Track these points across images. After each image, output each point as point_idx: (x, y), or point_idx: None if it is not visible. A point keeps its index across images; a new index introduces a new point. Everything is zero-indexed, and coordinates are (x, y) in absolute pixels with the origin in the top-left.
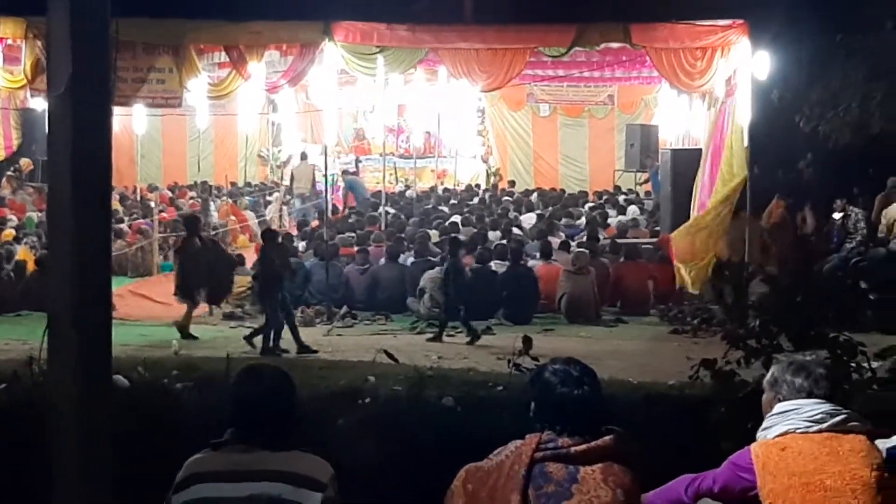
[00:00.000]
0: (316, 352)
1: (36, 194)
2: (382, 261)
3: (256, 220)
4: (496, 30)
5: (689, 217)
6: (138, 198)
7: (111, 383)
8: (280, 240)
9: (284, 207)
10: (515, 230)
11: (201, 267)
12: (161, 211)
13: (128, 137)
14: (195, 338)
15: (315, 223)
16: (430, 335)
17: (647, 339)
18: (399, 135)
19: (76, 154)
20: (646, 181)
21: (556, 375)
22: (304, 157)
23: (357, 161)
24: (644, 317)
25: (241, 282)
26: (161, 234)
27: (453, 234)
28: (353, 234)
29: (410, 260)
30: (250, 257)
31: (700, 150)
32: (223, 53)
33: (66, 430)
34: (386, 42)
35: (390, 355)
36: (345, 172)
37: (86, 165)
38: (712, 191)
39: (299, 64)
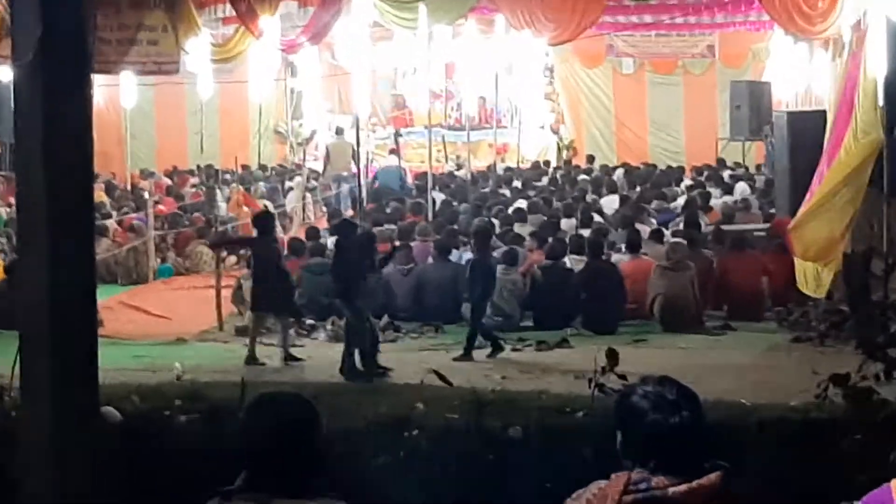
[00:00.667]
0: (385, 374)
1: (3, 184)
2: (430, 259)
3: (275, 212)
4: None
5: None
6: (129, 187)
7: (98, 416)
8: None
9: (309, 194)
10: (595, 217)
11: (278, 275)
12: (157, 202)
13: (114, 113)
14: (262, 364)
15: (348, 213)
16: (459, 353)
17: (763, 349)
18: (448, 101)
19: (49, 135)
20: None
21: (647, 399)
22: (339, 131)
23: (397, 135)
24: (758, 322)
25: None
26: (158, 232)
27: (479, 225)
28: (393, 227)
29: (466, 257)
30: None
31: (824, 111)
32: (228, 6)
33: (40, 473)
34: None
35: (442, 376)
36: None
37: (61, 148)
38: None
39: (322, 16)
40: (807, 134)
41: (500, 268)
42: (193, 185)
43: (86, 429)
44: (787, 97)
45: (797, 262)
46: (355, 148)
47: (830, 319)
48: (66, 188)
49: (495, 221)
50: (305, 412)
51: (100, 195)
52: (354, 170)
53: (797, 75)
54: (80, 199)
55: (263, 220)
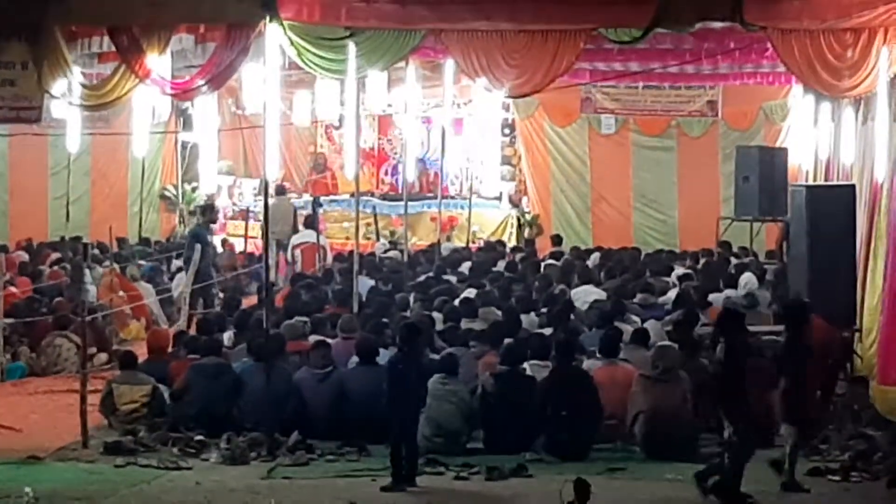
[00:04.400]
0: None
1: None
2: (353, 361)
3: (156, 298)
4: (534, 1)
5: (837, 290)
6: None
7: None
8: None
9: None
10: (564, 312)
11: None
12: (8, 283)
13: None
14: None
15: (249, 301)
16: (387, 483)
17: (772, 483)
18: (381, 164)
19: None
20: (779, 239)
21: None
22: (280, 191)
23: (315, 203)
24: (767, 448)
25: (135, 394)
26: (8, 321)
27: (408, 321)
28: (305, 320)
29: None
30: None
31: (853, 186)
32: (106, 39)
33: None
34: (360, 21)
35: None
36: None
37: None
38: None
39: (225, 55)
40: (832, 213)
41: (436, 377)
42: (55, 263)
43: None
44: (806, 167)
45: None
46: (307, 213)
47: (856, 448)
48: None
49: (437, 315)
50: None
51: None
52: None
53: (819, 141)
54: None
55: None
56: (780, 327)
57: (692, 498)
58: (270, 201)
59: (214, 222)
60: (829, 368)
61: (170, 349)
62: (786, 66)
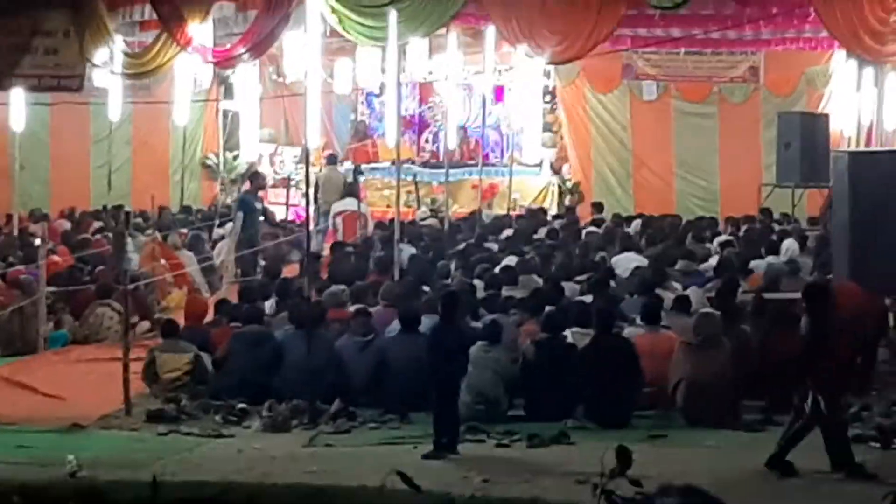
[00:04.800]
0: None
1: None
2: (394, 329)
3: (198, 266)
4: None
5: (880, 257)
6: (14, 232)
7: None
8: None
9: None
10: (605, 279)
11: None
12: (51, 251)
13: None
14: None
15: (291, 269)
16: (428, 450)
17: (813, 450)
18: (422, 131)
19: None
20: (824, 206)
21: None
22: (332, 160)
23: (356, 171)
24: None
25: (177, 362)
26: (51, 289)
27: (448, 289)
28: (345, 288)
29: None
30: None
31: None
32: (147, 8)
33: None
34: None
35: (408, 479)
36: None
37: None
38: None
39: (266, 23)
40: (874, 180)
41: (479, 344)
42: (97, 232)
43: None
44: (849, 132)
45: None
46: (348, 181)
47: None
48: None
49: (478, 283)
50: None
51: None
52: (341, 204)
53: (862, 107)
54: None
55: None
56: None
57: (733, 465)
58: (322, 171)
59: (262, 188)
60: (869, 336)
61: (211, 317)
62: (828, 31)
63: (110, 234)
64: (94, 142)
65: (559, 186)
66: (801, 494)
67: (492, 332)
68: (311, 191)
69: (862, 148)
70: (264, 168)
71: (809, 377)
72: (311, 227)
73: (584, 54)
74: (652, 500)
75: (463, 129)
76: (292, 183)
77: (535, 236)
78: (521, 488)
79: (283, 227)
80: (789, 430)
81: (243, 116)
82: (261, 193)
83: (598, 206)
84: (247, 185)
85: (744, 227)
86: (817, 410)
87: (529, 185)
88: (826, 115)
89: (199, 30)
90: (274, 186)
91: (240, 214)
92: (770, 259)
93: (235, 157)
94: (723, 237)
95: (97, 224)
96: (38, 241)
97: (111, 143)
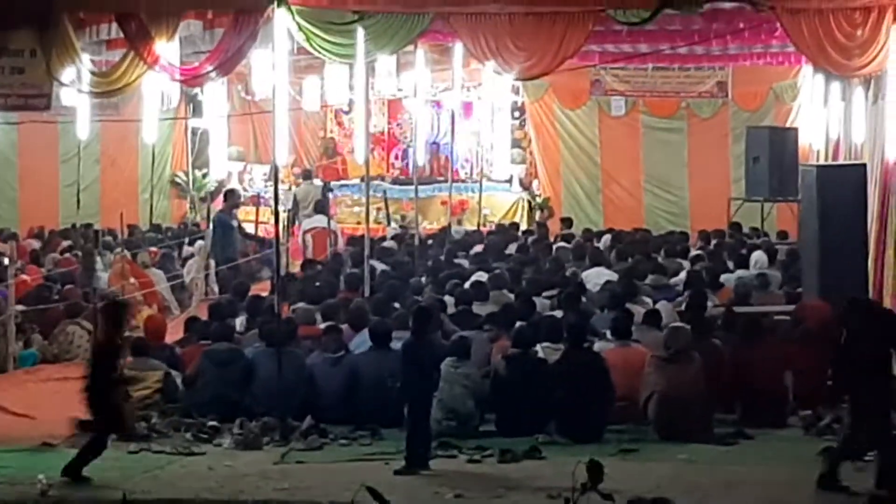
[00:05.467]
0: None
1: None
2: (364, 345)
3: (168, 284)
4: None
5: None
6: None
7: None
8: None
9: (213, 262)
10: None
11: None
12: (19, 272)
13: None
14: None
15: (262, 287)
16: (400, 466)
17: (785, 463)
18: (391, 148)
19: None
20: None
21: None
22: (307, 175)
23: (326, 188)
24: (779, 429)
25: (147, 380)
26: (20, 308)
27: (419, 304)
28: (315, 305)
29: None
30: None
31: (863, 165)
32: (114, 26)
33: None
34: (368, 6)
35: (377, 494)
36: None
37: None
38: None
39: (233, 40)
40: (842, 193)
41: (449, 360)
42: (66, 250)
43: None
44: (816, 147)
45: None
46: (317, 199)
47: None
48: None
49: (449, 299)
50: None
51: None
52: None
53: (830, 120)
54: None
55: None
56: (792, 307)
57: (705, 479)
58: (299, 187)
59: (237, 206)
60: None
61: (181, 335)
62: (795, 46)
63: (79, 253)
64: (63, 160)
65: (529, 202)
66: None
67: (460, 348)
68: (290, 206)
69: (830, 162)
70: (233, 186)
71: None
72: (278, 246)
73: (552, 70)
74: None
75: (434, 145)
76: (262, 200)
77: (506, 252)
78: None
79: (262, 241)
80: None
81: (212, 134)
82: (235, 211)
83: (567, 222)
84: (220, 204)
85: (713, 241)
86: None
87: (499, 201)
88: (794, 130)
89: (166, 48)
90: (244, 204)
91: (208, 232)
92: (740, 273)
93: (205, 175)
94: (692, 252)
95: (66, 243)
96: (6, 261)
97: (80, 161)
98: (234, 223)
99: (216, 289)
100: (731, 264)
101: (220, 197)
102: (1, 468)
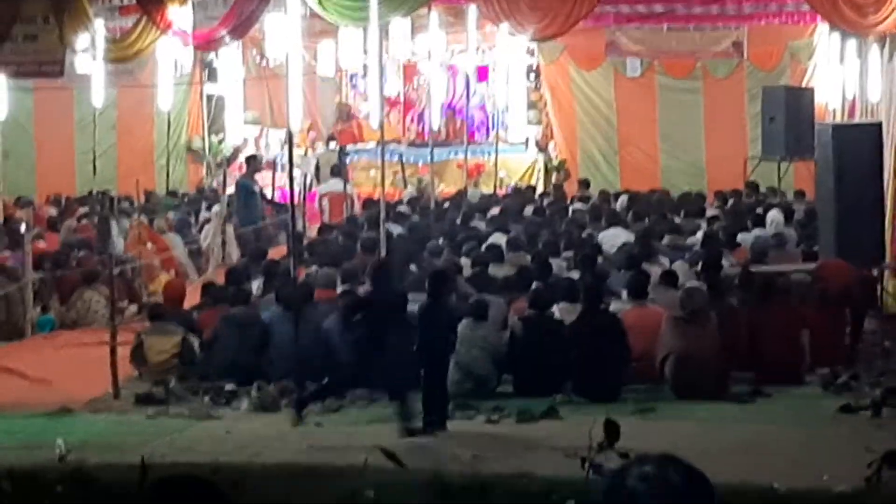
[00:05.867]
0: None
1: None
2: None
3: (185, 249)
4: None
5: (865, 228)
6: (0, 218)
7: None
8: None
9: (230, 227)
10: (592, 255)
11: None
12: (37, 237)
13: None
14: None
15: (278, 251)
16: (407, 427)
17: (802, 421)
18: (407, 111)
19: None
20: None
21: (645, 483)
22: (332, 138)
23: (342, 152)
24: (796, 387)
25: (165, 345)
26: (37, 275)
27: (437, 267)
28: (333, 268)
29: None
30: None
31: (879, 124)
32: None
33: None
34: None
35: (391, 455)
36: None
37: None
38: None
39: (246, 4)
40: (858, 152)
41: (466, 321)
42: (82, 216)
43: None
44: (833, 106)
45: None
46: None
47: (888, 384)
48: None
49: (465, 261)
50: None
51: None
52: (327, 186)
53: (846, 79)
54: None
55: None
56: (809, 265)
57: (721, 437)
58: (321, 152)
59: (258, 171)
60: (855, 309)
61: (199, 300)
62: (810, 4)
63: (95, 219)
64: (78, 128)
65: (545, 164)
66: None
67: (479, 310)
68: (313, 170)
69: (846, 120)
70: (249, 151)
71: None
72: (293, 209)
73: (566, 31)
74: (629, 467)
75: (451, 108)
76: (278, 165)
77: (521, 214)
78: (511, 464)
79: (279, 206)
80: None
81: (227, 100)
82: (256, 176)
83: (584, 183)
84: (237, 169)
85: (730, 201)
86: None
87: (516, 164)
88: (810, 89)
89: (179, 13)
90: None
91: (225, 198)
92: (756, 232)
93: (220, 141)
94: (709, 211)
95: (83, 209)
96: (23, 228)
97: (95, 128)
98: (257, 188)
99: (234, 253)
100: (748, 224)
101: (237, 162)
102: (20, 433)
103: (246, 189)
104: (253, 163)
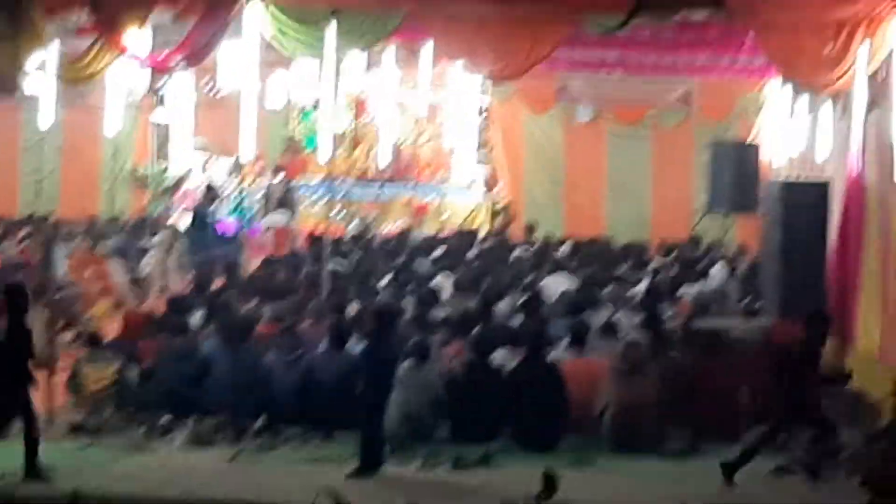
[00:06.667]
0: None
1: None
2: (322, 346)
3: (126, 277)
4: None
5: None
6: None
7: None
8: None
9: (171, 256)
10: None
11: None
12: None
13: None
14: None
15: (218, 282)
16: (352, 469)
17: (737, 479)
18: (355, 147)
19: None
20: None
21: None
22: (280, 169)
23: (288, 185)
24: (734, 444)
25: (102, 373)
26: None
27: (379, 307)
28: (275, 302)
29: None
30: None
31: (827, 183)
32: (85, 12)
33: None
34: (341, 1)
35: (339, 496)
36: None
37: None
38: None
39: (204, 31)
40: (807, 209)
41: (407, 363)
42: (23, 239)
43: None
44: (780, 162)
45: None
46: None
47: (825, 445)
48: None
49: (407, 302)
50: None
51: None
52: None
53: (795, 135)
54: None
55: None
56: (752, 323)
57: (659, 492)
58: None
59: (216, 200)
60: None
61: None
62: (767, 57)
63: (36, 242)
64: (24, 148)
65: (491, 207)
66: None
67: (419, 352)
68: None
69: (793, 176)
70: (195, 179)
71: None
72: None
73: (522, 74)
74: None
75: (398, 146)
76: (221, 196)
77: (466, 256)
78: None
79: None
80: None
81: (174, 128)
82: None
83: (529, 228)
84: (180, 198)
85: (674, 253)
86: None
87: (460, 206)
88: (756, 146)
89: (136, 36)
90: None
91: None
92: (699, 286)
93: (164, 170)
94: (653, 263)
95: (24, 231)
96: None
97: (42, 150)
98: (211, 219)
99: (176, 284)
100: (691, 276)
101: (179, 192)
102: None
103: (201, 217)
104: (210, 192)
